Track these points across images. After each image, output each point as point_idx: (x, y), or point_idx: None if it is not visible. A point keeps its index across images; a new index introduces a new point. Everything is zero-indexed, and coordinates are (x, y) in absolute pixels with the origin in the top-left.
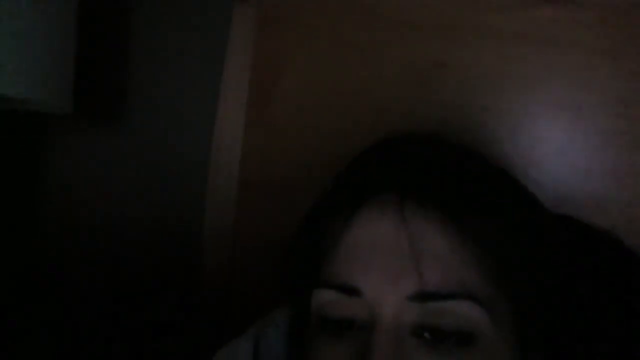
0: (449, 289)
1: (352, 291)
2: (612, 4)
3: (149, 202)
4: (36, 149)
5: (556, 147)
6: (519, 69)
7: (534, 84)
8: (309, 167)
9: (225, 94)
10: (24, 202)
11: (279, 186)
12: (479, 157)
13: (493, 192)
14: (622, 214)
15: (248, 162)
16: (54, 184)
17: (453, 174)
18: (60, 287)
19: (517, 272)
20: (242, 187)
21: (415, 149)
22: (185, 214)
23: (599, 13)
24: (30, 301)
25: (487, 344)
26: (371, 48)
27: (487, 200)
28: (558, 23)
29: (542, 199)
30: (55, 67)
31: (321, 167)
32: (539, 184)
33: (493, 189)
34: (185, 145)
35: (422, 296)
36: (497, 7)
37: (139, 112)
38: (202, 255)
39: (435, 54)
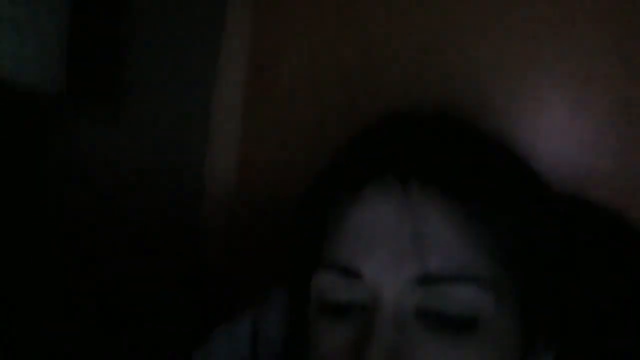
0: (453, 272)
1: (353, 274)
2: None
3: (146, 183)
4: (32, 131)
5: (556, 141)
6: (518, 56)
7: (533, 72)
8: (309, 147)
9: (223, 72)
10: (22, 183)
11: (278, 168)
12: (483, 135)
13: (498, 173)
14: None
15: (247, 139)
16: (51, 165)
17: (457, 155)
18: (58, 267)
19: (523, 254)
20: (240, 170)
21: (418, 128)
22: (184, 195)
23: (602, 7)
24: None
25: (491, 329)
26: (371, 27)
27: (492, 181)
28: (561, 16)
29: None
30: (47, 47)
31: (320, 146)
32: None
33: (498, 170)
34: (183, 122)
35: (425, 279)
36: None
37: (136, 94)
38: (202, 235)
39: (435, 37)
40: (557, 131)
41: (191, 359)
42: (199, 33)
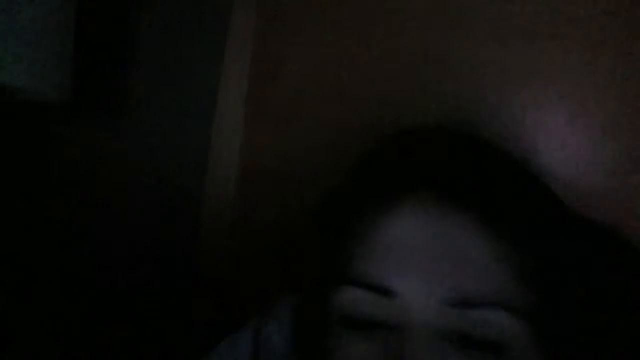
0: (487, 297)
1: (385, 292)
2: None
3: (147, 192)
4: (35, 139)
5: (558, 140)
6: (520, 62)
7: (537, 77)
8: (310, 159)
9: (225, 82)
10: (24, 191)
11: (279, 178)
12: (511, 156)
13: (528, 196)
14: (622, 208)
15: (249, 150)
16: (54, 174)
17: (494, 178)
18: (57, 276)
19: (552, 278)
20: (241, 179)
21: (449, 146)
22: (185, 205)
23: (602, 7)
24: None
25: (520, 354)
26: (371, 39)
27: (529, 207)
28: (561, 16)
29: None
30: (53, 55)
31: (321, 159)
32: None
33: (528, 192)
34: (185, 136)
35: (459, 302)
36: (498, 1)
37: (139, 103)
38: (201, 245)
39: (437, 46)
40: (556, 145)
41: None
42: (203, 44)
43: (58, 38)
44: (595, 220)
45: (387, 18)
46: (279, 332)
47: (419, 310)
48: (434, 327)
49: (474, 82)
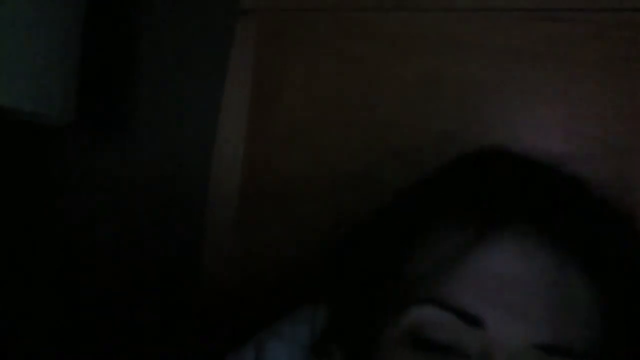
0: (581, 349)
1: (472, 320)
2: (607, 20)
3: (150, 212)
4: (37, 160)
5: (554, 159)
6: (516, 83)
7: (532, 97)
8: (311, 181)
9: (226, 105)
10: (25, 211)
11: (279, 197)
12: (594, 190)
13: (627, 240)
14: None
15: (249, 172)
16: (56, 193)
17: (591, 217)
18: (60, 295)
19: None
20: (242, 200)
21: (540, 176)
22: (186, 225)
23: (594, 29)
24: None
25: None
26: (372, 62)
27: (627, 250)
28: (554, 38)
29: None
30: (57, 78)
31: (321, 179)
32: None
33: (626, 236)
34: (187, 155)
35: (553, 350)
36: (496, 23)
37: (141, 123)
38: (203, 268)
39: (435, 69)
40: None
41: None
42: (204, 67)
43: (63, 61)
44: None
45: (388, 42)
46: (281, 348)
47: (508, 348)
48: None
49: (472, 104)
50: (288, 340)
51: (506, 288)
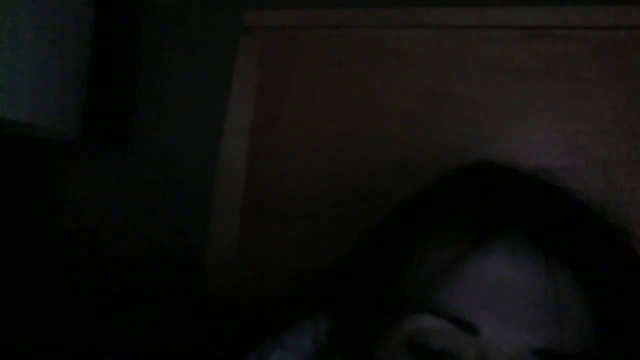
0: (576, 351)
1: (468, 327)
2: (603, 38)
3: (153, 227)
4: (43, 173)
5: (551, 174)
6: (517, 99)
7: (532, 113)
8: (312, 196)
9: (230, 120)
10: (31, 225)
11: (282, 211)
12: (584, 201)
13: (616, 249)
14: None
15: (252, 186)
16: (61, 207)
17: (581, 225)
18: (64, 311)
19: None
20: (245, 214)
21: (531, 188)
22: (190, 240)
23: (591, 46)
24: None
25: None
26: (372, 78)
27: (615, 259)
28: (553, 55)
29: None
30: (64, 94)
31: (323, 193)
32: None
33: (616, 246)
34: (190, 171)
35: (548, 354)
36: (495, 40)
37: (145, 139)
38: (206, 278)
39: (435, 85)
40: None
41: None
42: (208, 84)
43: (70, 78)
44: None
45: (388, 58)
46: (285, 358)
47: (503, 354)
48: None
49: (473, 119)
50: (291, 350)
51: (500, 296)
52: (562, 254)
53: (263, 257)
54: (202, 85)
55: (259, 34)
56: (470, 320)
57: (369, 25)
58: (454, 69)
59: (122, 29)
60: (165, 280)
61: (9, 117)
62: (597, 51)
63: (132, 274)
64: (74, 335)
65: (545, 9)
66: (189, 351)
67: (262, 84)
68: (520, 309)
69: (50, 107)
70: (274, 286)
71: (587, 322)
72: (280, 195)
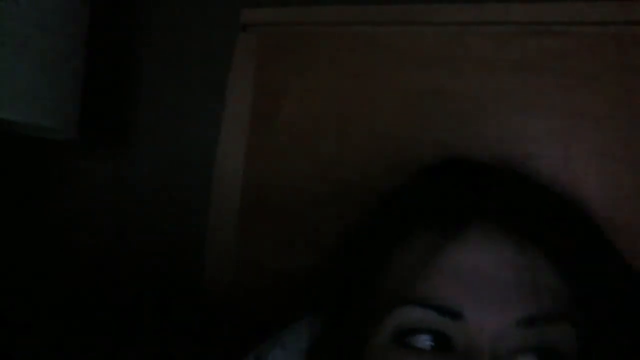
0: (558, 311)
1: (452, 313)
2: (600, 33)
3: (151, 226)
4: (39, 174)
5: (551, 171)
6: (513, 95)
7: (528, 110)
8: (310, 194)
9: (227, 119)
10: (28, 225)
11: (280, 210)
12: (559, 190)
13: (582, 226)
14: (614, 237)
15: (249, 186)
16: (58, 207)
17: (554, 209)
18: (63, 310)
19: (603, 308)
20: (243, 211)
21: (503, 177)
22: (188, 240)
23: (588, 41)
24: (34, 323)
25: None
26: (370, 75)
27: (582, 235)
28: (548, 51)
29: None
30: (62, 93)
31: (321, 191)
32: None
33: (582, 223)
34: (187, 170)
35: (530, 321)
36: (491, 37)
37: (142, 139)
38: (204, 277)
39: (432, 82)
40: (551, 174)
41: None
42: (205, 81)
43: (66, 77)
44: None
45: (385, 55)
46: (283, 358)
47: (488, 332)
48: (504, 349)
49: (468, 116)
50: (289, 349)
51: (478, 280)
52: (531, 234)
53: (261, 256)
54: (199, 83)
55: (256, 32)
56: (453, 306)
57: (366, 22)
58: (451, 65)
59: (119, 28)
60: (163, 279)
61: (4, 116)
62: (594, 47)
63: (130, 272)
64: (72, 332)
65: (542, 5)
66: (187, 349)
67: (260, 81)
68: (498, 289)
69: (46, 106)
70: (272, 285)
71: (561, 289)
72: (278, 193)
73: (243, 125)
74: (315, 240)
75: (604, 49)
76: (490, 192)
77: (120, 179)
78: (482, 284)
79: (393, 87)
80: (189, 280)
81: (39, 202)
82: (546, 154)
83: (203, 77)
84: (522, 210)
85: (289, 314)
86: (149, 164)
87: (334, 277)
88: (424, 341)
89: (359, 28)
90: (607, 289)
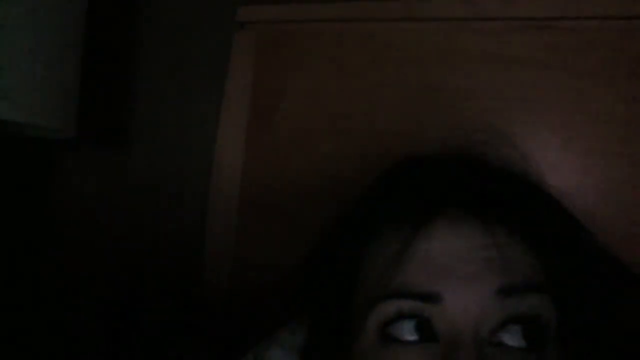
0: (532, 281)
1: (431, 297)
2: (601, 28)
3: (150, 225)
4: (38, 173)
5: (549, 166)
6: (512, 91)
7: (527, 105)
8: (308, 189)
9: (225, 116)
10: (28, 224)
11: (279, 208)
12: (519, 174)
13: (546, 205)
14: (611, 232)
15: (248, 184)
16: (57, 206)
17: (517, 191)
18: (63, 307)
19: (573, 284)
20: (242, 209)
21: (470, 166)
22: (187, 235)
23: (589, 37)
24: (34, 322)
25: (553, 347)
26: (368, 72)
27: (546, 212)
28: (548, 47)
29: None
30: (59, 93)
31: (320, 189)
32: None
33: (551, 206)
34: (186, 168)
35: (506, 289)
36: (491, 32)
37: (141, 137)
38: (204, 275)
39: (431, 78)
40: (549, 168)
41: None
42: (204, 79)
43: (64, 76)
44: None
45: (383, 51)
46: (281, 357)
47: (466, 312)
48: (486, 327)
49: (469, 111)
50: (288, 348)
51: (450, 262)
52: (498, 217)
53: (260, 254)
54: (197, 81)
55: (254, 29)
56: (429, 289)
57: (364, 18)
58: (450, 61)
59: (116, 26)
60: (162, 278)
61: (2, 116)
62: (592, 42)
63: (130, 271)
64: (72, 331)
65: (541, 0)
66: (187, 348)
67: (258, 79)
68: (471, 267)
69: (44, 106)
70: (271, 283)
71: (533, 263)
72: (278, 191)
73: (241, 123)
74: (315, 237)
75: (603, 44)
76: (456, 182)
77: (118, 177)
78: (455, 266)
79: (392, 84)
80: (188, 277)
81: (36, 200)
82: (545, 149)
83: (201, 76)
84: (488, 195)
85: (287, 312)
86: (147, 161)
87: (314, 279)
88: (408, 330)
89: (357, 25)
90: (576, 262)
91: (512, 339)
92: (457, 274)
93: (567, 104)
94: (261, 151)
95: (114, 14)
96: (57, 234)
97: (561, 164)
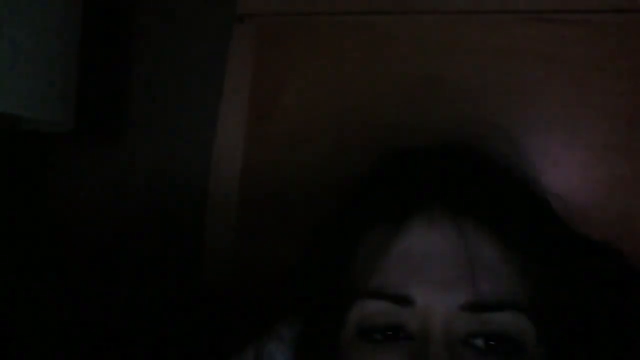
0: (501, 299)
1: (404, 300)
2: (603, 21)
3: (149, 220)
4: (37, 167)
5: (552, 160)
6: (515, 84)
7: (530, 98)
8: (310, 185)
9: (225, 111)
10: (25, 218)
11: (279, 202)
12: (506, 169)
13: (534, 208)
14: (613, 226)
15: (248, 178)
16: (54, 200)
17: (500, 190)
18: (60, 304)
19: (557, 288)
20: (241, 203)
21: (449, 162)
22: (186, 230)
23: (591, 30)
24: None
25: (532, 357)
26: (369, 65)
27: (532, 216)
28: (552, 40)
29: None
30: (57, 85)
31: (321, 183)
32: None
33: (534, 204)
34: (185, 162)
35: (475, 306)
36: (493, 25)
37: (140, 130)
38: (203, 271)
39: (432, 70)
40: (550, 163)
41: None
42: (203, 74)
43: (62, 69)
44: (592, 237)
45: (384, 44)
46: (281, 351)
47: (439, 315)
48: (452, 332)
49: (470, 104)
50: (288, 342)
51: (426, 264)
52: (475, 216)
53: (260, 250)
54: (196, 75)
55: (253, 22)
56: (404, 293)
57: (365, 11)
58: (452, 54)
59: (114, 19)
60: (161, 274)
61: (1, 110)
62: (597, 35)
63: (128, 267)
64: (69, 329)
65: None
66: (186, 344)
67: (257, 72)
68: (442, 272)
69: (42, 99)
70: (271, 279)
71: (504, 268)
72: (278, 185)
73: (241, 117)
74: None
75: (608, 37)
76: (438, 178)
77: (117, 171)
78: (428, 266)
79: (393, 76)
80: (188, 274)
81: (34, 193)
82: (547, 143)
83: (200, 69)
84: (465, 193)
85: (287, 307)
86: (146, 155)
87: (305, 276)
88: (381, 331)
89: (358, 17)
90: (555, 260)
91: (484, 345)
92: (429, 276)
93: (570, 97)
94: (261, 146)
95: (111, 7)
96: (54, 227)
97: (564, 158)
